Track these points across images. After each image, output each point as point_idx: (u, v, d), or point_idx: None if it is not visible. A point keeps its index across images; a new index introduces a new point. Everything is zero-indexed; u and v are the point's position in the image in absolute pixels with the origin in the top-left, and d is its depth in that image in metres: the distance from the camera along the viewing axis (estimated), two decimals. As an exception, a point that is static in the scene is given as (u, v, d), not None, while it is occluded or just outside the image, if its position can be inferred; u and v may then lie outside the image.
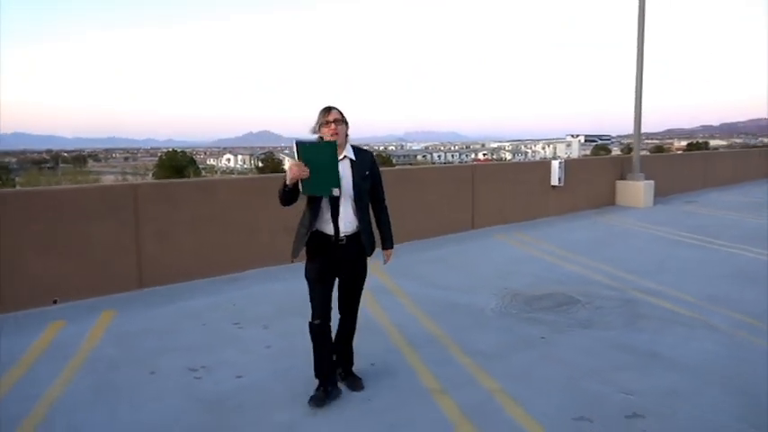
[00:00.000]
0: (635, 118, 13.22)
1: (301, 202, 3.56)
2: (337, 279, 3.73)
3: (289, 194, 3.43)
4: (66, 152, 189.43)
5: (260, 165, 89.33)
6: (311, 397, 3.64)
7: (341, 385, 3.84)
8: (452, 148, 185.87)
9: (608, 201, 13.03)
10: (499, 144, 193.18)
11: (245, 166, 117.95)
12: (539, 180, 11.38)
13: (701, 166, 17.11)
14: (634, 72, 13.07)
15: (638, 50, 12.98)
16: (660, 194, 13.64)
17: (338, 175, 3.37)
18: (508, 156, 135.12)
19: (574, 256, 7.93)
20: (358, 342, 3.99)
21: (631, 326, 5.11)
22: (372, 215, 3.76)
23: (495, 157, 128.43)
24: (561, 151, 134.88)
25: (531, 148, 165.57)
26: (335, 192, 3.39)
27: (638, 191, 12.89)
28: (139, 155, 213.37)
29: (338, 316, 3.83)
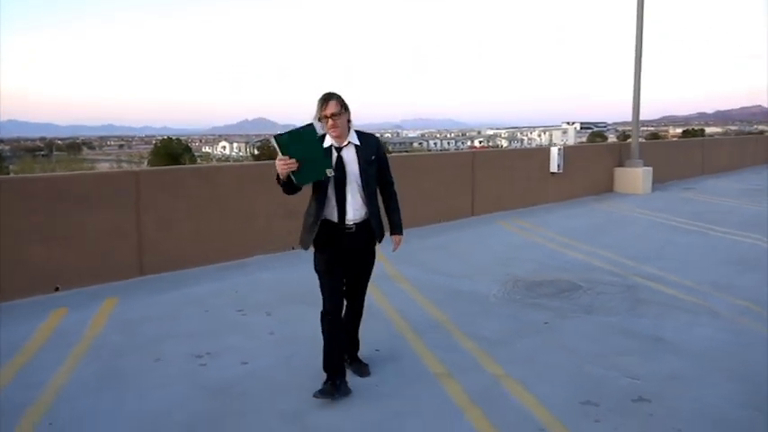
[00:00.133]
0: (633, 105, 13.20)
1: (307, 189, 3.51)
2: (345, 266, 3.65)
3: (286, 187, 3.36)
4: (60, 140, 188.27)
5: (256, 152, 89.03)
6: (319, 390, 3.50)
7: (347, 369, 3.77)
8: (449, 135, 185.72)
9: (606, 187, 13.04)
10: (495, 131, 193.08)
11: (241, 153, 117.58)
12: (538, 167, 11.37)
13: (698, 153, 17.13)
14: (632, 60, 13.03)
15: (637, 37, 12.93)
16: (658, 181, 13.66)
17: (325, 157, 3.31)
18: (504, 143, 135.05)
19: (574, 242, 7.94)
20: (362, 328, 3.98)
21: (633, 311, 5.12)
22: (381, 200, 3.69)
23: (491, 144, 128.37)
24: (557, 138, 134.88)
25: (527, 135, 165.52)
26: (329, 173, 3.30)
27: (636, 177, 12.90)
28: (134, 142, 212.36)
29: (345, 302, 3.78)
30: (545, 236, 8.42)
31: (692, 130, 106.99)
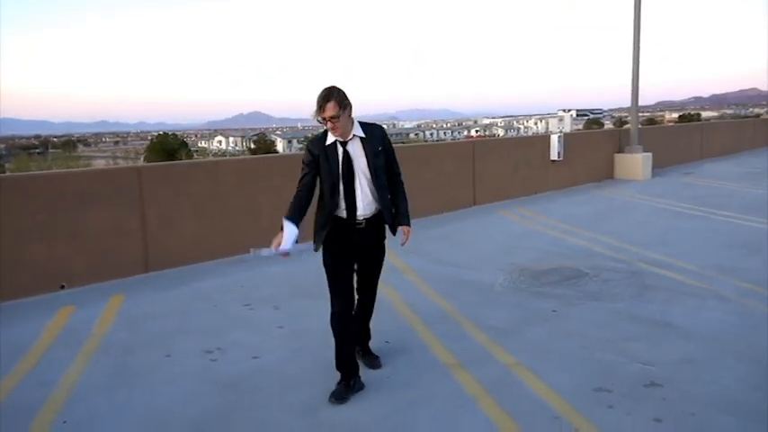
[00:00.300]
0: (632, 90, 13.17)
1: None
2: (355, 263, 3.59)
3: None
4: (55, 137, 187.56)
5: (252, 146, 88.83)
6: (332, 392, 3.45)
7: (358, 360, 3.75)
8: (445, 125, 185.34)
9: (607, 174, 13.04)
10: (492, 120, 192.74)
11: (237, 147, 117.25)
12: (538, 155, 11.36)
13: (697, 138, 17.12)
14: (631, 46, 12.99)
15: (635, 23, 12.88)
16: (657, 167, 13.66)
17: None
18: (501, 132, 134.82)
19: (577, 229, 7.95)
20: (371, 320, 3.97)
21: (640, 297, 5.14)
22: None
23: (487, 133, 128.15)
24: (553, 126, 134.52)
25: (523, 123, 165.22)
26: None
27: (636, 163, 12.89)
28: (129, 138, 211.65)
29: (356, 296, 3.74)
30: (547, 224, 8.42)
31: (689, 115, 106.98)
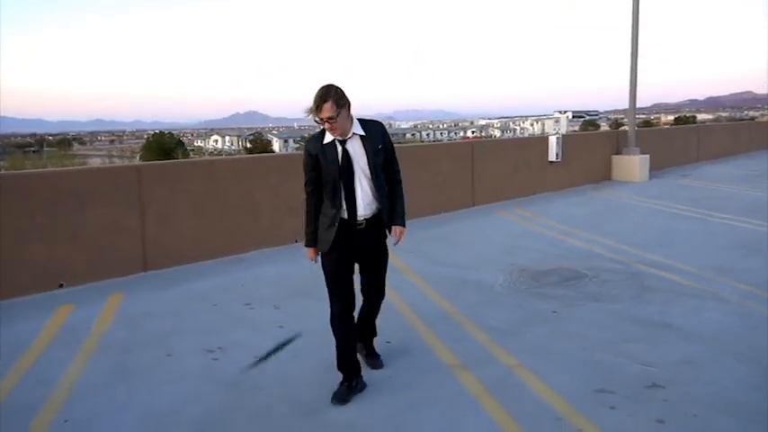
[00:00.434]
0: (630, 92, 13.20)
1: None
2: (357, 264, 3.53)
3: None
4: (50, 135, 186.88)
5: (248, 145, 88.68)
6: (334, 393, 3.43)
7: (360, 359, 3.72)
8: (441, 126, 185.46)
9: (604, 175, 13.06)
10: (488, 121, 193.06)
11: (233, 147, 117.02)
12: (537, 156, 11.37)
13: (694, 140, 17.17)
14: (628, 47, 13.02)
15: (633, 25, 12.91)
16: (655, 168, 13.69)
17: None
18: (497, 133, 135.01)
19: (575, 230, 7.96)
20: (373, 320, 3.97)
21: (640, 298, 5.15)
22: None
23: (483, 134, 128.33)
24: (550, 127, 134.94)
25: (519, 124, 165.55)
26: None
27: (633, 165, 12.93)
28: (125, 137, 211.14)
29: (361, 298, 3.69)
30: (546, 225, 8.44)
31: (684, 117, 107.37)
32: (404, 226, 3.54)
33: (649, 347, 4.10)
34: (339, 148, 3.30)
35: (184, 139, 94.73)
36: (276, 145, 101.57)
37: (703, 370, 3.74)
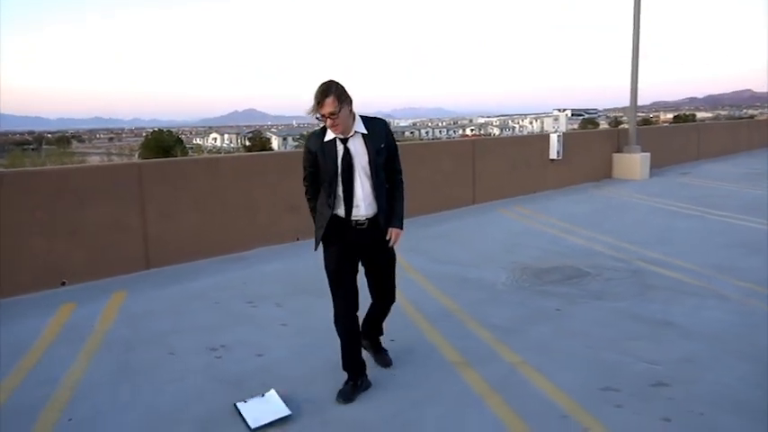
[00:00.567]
0: (631, 90, 13.19)
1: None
2: (362, 265, 3.48)
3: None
4: (49, 133, 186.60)
5: (247, 143, 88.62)
6: (339, 392, 3.41)
7: (367, 356, 3.71)
8: (440, 123, 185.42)
9: (605, 173, 13.07)
10: (487, 119, 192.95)
11: (232, 144, 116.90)
12: (538, 154, 11.37)
13: (694, 138, 17.18)
14: (629, 46, 13.02)
15: (635, 24, 12.90)
16: (655, 166, 13.70)
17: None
18: (496, 131, 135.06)
19: (577, 228, 7.96)
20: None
21: (642, 296, 5.15)
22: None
23: (482, 132, 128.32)
24: (549, 125, 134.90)
25: (518, 122, 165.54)
26: None
27: (634, 163, 12.93)
28: (124, 135, 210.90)
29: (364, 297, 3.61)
30: (547, 222, 8.44)
31: (684, 116, 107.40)
32: (401, 228, 3.45)
33: (652, 345, 4.10)
34: (340, 147, 3.22)
35: (183, 137, 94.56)
36: (275, 143, 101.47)
37: (705, 368, 3.74)
